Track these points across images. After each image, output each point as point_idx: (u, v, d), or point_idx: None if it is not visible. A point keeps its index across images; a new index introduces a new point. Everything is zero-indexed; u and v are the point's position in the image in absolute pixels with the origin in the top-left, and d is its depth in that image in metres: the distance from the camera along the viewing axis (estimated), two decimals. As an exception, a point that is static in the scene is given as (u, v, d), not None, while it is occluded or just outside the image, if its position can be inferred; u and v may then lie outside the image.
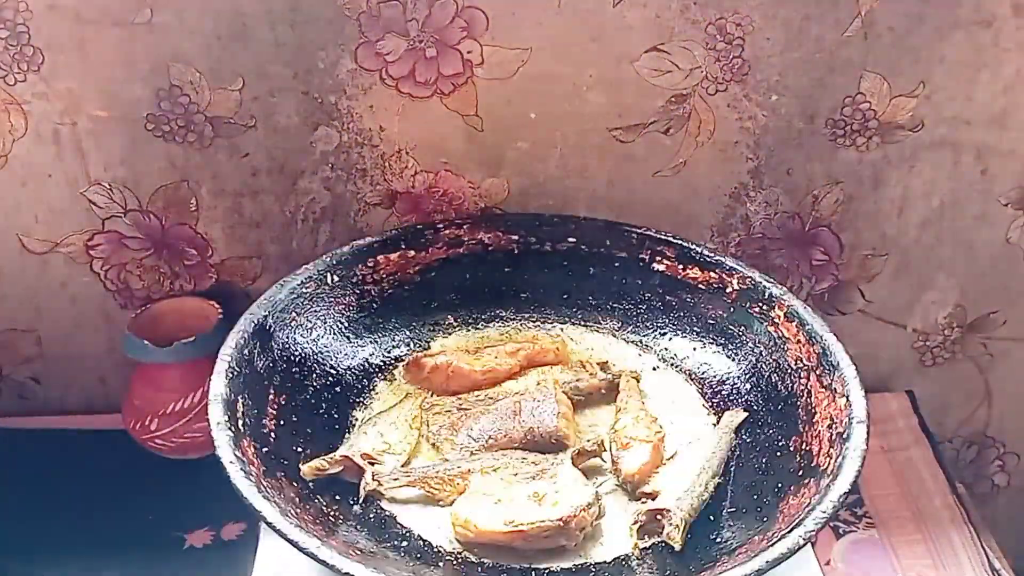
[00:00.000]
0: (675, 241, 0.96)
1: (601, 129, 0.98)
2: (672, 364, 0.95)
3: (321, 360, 0.90)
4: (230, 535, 0.95)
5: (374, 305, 0.95)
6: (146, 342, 0.95)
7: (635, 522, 0.79)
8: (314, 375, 0.89)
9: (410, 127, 0.97)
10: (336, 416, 0.89)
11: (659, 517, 0.78)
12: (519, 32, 0.92)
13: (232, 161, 0.97)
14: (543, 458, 0.84)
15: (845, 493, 0.72)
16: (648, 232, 0.97)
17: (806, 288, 1.09)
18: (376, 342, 0.95)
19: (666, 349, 0.96)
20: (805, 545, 0.70)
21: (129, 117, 0.94)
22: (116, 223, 0.99)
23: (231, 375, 0.81)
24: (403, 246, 0.96)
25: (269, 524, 0.70)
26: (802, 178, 1.02)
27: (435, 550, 0.78)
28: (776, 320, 0.90)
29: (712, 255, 0.94)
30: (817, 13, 0.93)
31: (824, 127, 0.99)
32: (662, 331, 0.97)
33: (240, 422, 0.78)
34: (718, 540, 0.77)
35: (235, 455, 0.74)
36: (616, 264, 0.98)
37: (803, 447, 0.81)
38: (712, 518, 0.80)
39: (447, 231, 0.98)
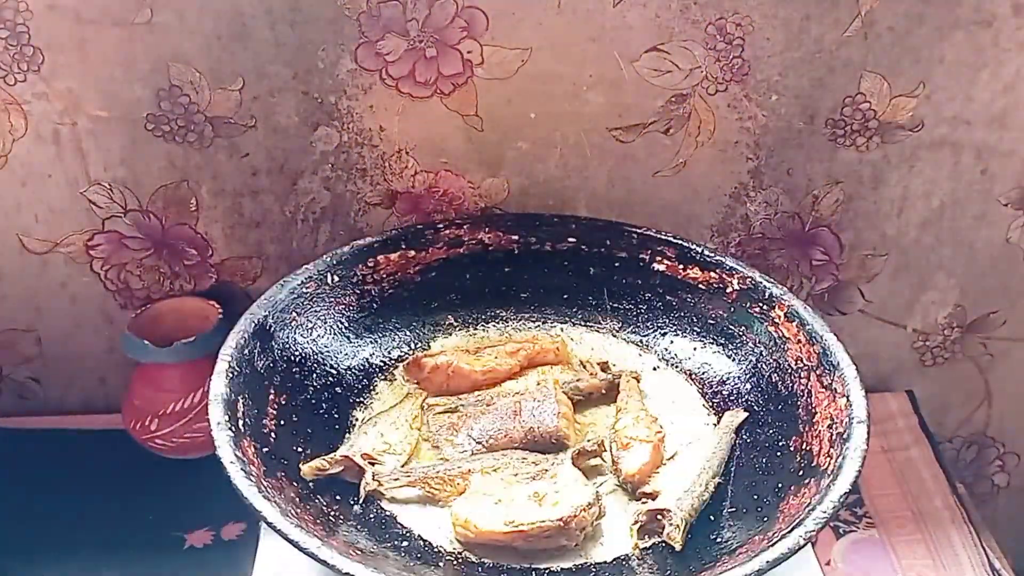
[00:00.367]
0: (675, 241, 0.96)
1: (601, 129, 0.98)
2: (672, 364, 0.95)
3: (321, 360, 0.90)
4: (230, 535, 0.95)
5: (374, 305, 0.95)
6: (146, 342, 0.95)
7: (635, 522, 0.79)
8: (314, 375, 0.89)
9: (410, 127, 0.97)
10: (336, 416, 0.88)
11: (659, 517, 0.78)
12: (519, 32, 0.92)
13: (232, 161, 0.97)
14: (543, 458, 0.84)
15: (845, 493, 0.72)
16: (648, 232, 0.97)
17: (806, 288, 1.09)
18: (376, 342, 0.94)
19: (666, 349, 0.96)
20: (805, 545, 0.70)
21: (129, 117, 0.93)
22: (116, 223, 0.99)
23: (231, 375, 0.81)
24: (403, 246, 0.96)
25: (269, 524, 0.70)
26: (802, 178, 1.02)
27: (435, 550, 0.78)
28: (776, 320, 0.90)
29: (712, 255, 0.94)
30: (817, 13, 0.93)
31: (824, 127, 0.99)
32: (662, 331, 0.97)
33: (240, 422, 0.78)
34: (718, 540, 0.77)
35: (235, 455, 0.74)
36: (616, 264, 0.98)
37: (803, 447, 0.81)
38: (712, 518, 0.80)
39: (447, 231, 0.98)
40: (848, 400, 0.79)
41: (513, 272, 1.00)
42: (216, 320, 0.97)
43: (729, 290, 0.93)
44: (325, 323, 0.92)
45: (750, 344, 0.92)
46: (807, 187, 1.03)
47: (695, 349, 0.95)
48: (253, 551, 0.90)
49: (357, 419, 0.89)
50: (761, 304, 0.91)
